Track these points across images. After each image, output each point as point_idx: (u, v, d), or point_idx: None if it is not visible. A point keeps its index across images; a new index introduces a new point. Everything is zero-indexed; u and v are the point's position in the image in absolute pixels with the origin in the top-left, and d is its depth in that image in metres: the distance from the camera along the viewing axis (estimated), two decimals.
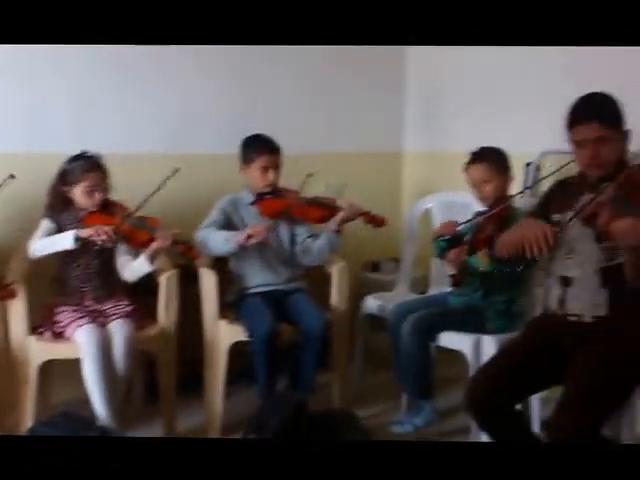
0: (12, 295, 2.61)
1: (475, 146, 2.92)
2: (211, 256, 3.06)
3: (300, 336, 2.95)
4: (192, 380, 3.07)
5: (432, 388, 2.95)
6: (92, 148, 2.86)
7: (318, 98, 3.76)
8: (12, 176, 2.62)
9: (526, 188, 3.04)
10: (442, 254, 2.93)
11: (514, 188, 2.93)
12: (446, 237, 2.87)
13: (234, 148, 3.11)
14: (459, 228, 2.84)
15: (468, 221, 2.80)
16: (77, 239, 2.71)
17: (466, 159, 2.92)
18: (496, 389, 2.30)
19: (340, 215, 3.04)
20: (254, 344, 2.88)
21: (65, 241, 2.72)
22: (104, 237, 2.70)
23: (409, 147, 4.09)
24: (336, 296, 3.16)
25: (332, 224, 3.05)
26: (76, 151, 2.85)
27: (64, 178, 2.84)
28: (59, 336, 2.75)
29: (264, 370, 2.89)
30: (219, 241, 2.96)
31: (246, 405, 2.99)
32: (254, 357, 2.89)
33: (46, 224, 2.83)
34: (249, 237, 2.91)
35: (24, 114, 3.08)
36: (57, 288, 2.87)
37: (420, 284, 3.63)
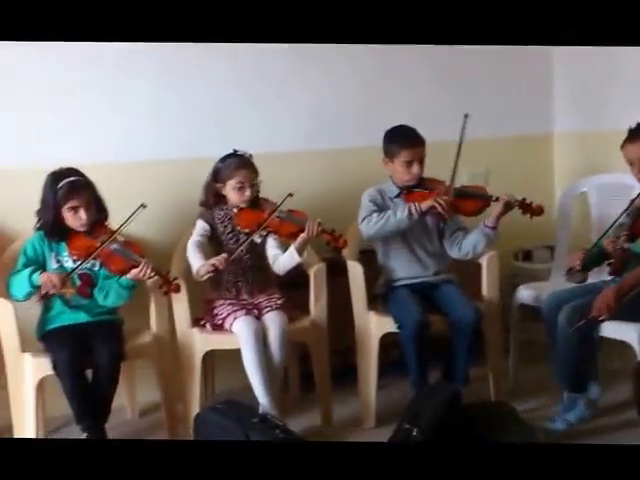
0: (177, 290, 2.97)
1: (632, 123, 2.94)
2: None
3: (451, 327, 3.16)
4: (347, 371, 3.37)
5: (585, 382, 3.04)
6: (240, 148, 3.21)
7: (461, 83, 3.93)
8: (143, 206, 2.95)
9: None
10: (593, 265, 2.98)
11: None
12: (576, 268, 2.95)
13: (374, 140, 3.33)
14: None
15: (628, 207, 2.87)
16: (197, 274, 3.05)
17: (623, 137, 2.97)
18: None
19: (497, 211, 3.15)
20: (404, 336, 3.11)
21: (193, 272, 3.08)
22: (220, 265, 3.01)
23: (560, 127, 4.16)
24: (487, 286, 3.35)
25: (490, 221, 3.18)
26: (222, 153, 3.21)
27: (217, 175, 3.21)
28: (219, 328, 3.11)
29: (415, 361, 3.12)
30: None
31: (400, 396, 3.25)
32: (404, 348, 3.13)
33: (200, 225, 3.21)
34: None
35: (178, 122, 3.48)
36: (213, 283, 3.22)
37: (577, 273, 3.75)
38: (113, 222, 3.07)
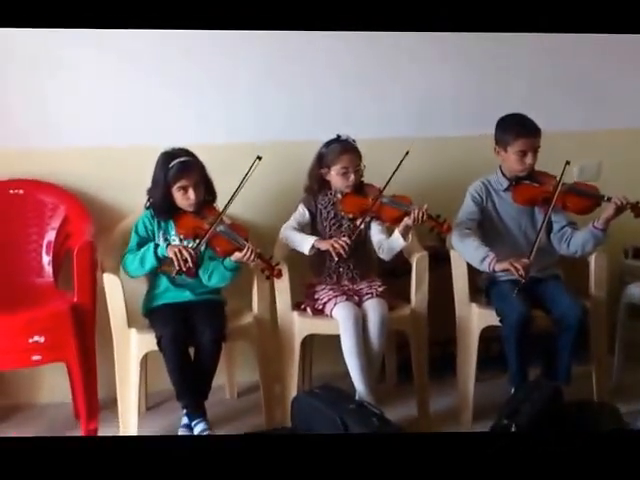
0: (280, 275, 3.04)
1: None
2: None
3: (555, 324, 3.12)
4: (446, 362, 3.40)
5: None
6: (352, 132, 3.27)
7: (575, 71, 3.83)
8: (259, 157, 3.03)
9: None
10: None
11: None
12: None
13: (482, 129, 3.33)
14: None
15: None
16: (313, 248, 3.17)
17: None
18: None
19: (608, 214, 3.11)
20: (506, 329, 3.10)
21: (303, 247, 3.19)
22: (341, 251, 3.12)
23: None
24: (594, 284, 3.30)
25: (600, 223, 3.14)
26: (328, 137, 3.27)
27: (321, 161, 3.27)
28: (319, 312, 3.18)
29: (515, 356, 3.10)
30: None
31: (498, 392, 3.24)
32: (505, 342, 3.12)
33: (300, 210, 3.29)
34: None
35: (276, 106, 3.55)
36: (315, 268, 3.31)
37: None
38: (217, 204, 3.17)
